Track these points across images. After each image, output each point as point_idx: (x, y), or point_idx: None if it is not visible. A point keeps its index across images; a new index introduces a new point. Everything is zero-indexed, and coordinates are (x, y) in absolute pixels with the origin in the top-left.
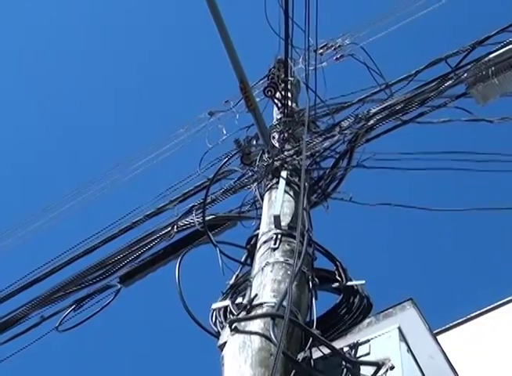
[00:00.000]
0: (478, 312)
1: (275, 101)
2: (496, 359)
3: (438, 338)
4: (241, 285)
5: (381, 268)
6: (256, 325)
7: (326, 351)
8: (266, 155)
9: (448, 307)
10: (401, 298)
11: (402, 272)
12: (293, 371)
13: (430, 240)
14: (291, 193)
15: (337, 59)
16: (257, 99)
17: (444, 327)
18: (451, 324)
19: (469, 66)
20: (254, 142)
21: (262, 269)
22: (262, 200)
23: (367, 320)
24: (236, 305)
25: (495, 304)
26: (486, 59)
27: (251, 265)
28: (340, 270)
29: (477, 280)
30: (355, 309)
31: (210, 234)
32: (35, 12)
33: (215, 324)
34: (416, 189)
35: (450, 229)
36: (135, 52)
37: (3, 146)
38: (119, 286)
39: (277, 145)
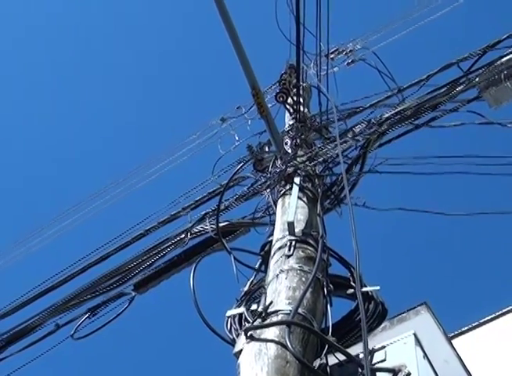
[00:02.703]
0: (493, 315)
1: (287, 106)
2: None
3: (453, 341)
4: (255, 292)
5: (395, 272)
6: (272, 333)
7: (342, 358)
8: (279, 161)
9: (463, 310)
10: (415, 302)
11: (416, 276)
12: None
13: (444, 243)
14: (305, 199)
15: (348, 64)
16: (269, 105)
17: (459, 331)
18: (466, 328)
19: (481, 71)
20: (267, 149)
21: (277, 276)
22: (275, 206)
23: (382, 325)
24: (251, 312)
25: (511, 307)
26: (498, 63)
27: (265, 271)
28: (355, 276)
29: (492, 283)
30: (369, 315)
31: (224, 241)
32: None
33: (230, 331)
34: (429, 193)
35: (464, 233)
36: (147, 59)
37: (22, 152)
38: (133, 293)
39: (290, 151)
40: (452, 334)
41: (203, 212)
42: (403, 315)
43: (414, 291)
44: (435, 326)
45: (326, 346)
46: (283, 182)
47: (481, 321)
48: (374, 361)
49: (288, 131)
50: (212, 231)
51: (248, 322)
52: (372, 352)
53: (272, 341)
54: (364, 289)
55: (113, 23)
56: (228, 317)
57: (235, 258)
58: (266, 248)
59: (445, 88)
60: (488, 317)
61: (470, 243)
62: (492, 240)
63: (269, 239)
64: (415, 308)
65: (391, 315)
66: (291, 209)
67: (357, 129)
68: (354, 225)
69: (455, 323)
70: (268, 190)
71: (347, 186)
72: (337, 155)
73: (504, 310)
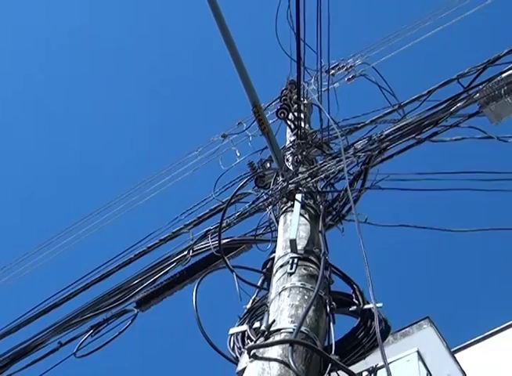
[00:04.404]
0: (497, 328)
1: (288, 123)
2: None
3: (457, 355)
4: (258, 309)
5: (399, 286)
6: (275, 351)
7: None
8: (280, 178)
9: (466, 324)
10: (418, 317)
11: (419, 291)
12: None
13: (447, 258)
14: (306, 216)
15: (348, 79)
16: (270, 121)
17: (462, 345)
18: (469, 342)
19: (481, 86)
20: (268, 165)
21: (279, 293)
22: (277, 223)
23: (386, 340)
24: (254, 329)
25: None
26: (498, 78)
27: (268, 289)
28: (358, 293)
29: (496, 296)
30: (372, 333)
31: (226, 259)
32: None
33: (233, 350)
34: (431, 208)
35: (467, 247)
36: (150, 75)
37: (24, 172)
38: (136, 311)
39: (291, 167)
40: (456, 348)
41: (205, 229)
42: (406, 329)
43: (417, 305)
44: (438, 340)
45: (330, 364)
46: (284, 199)
47: (485, 335)
48: None
49: (289, 147)
50: (214, 248)
51: (251, 340)
52: (375, 369)
53: (275, 360)
54: (366, 306)
55: (116, 45)
56: (231, 335)
57: (237, 276)
58: (268, 265)
59: (446, 104)
60: (492, 331)
61: (474, 257)
62: (496, 255)
63: (271, 256)
64: (418, 322)
65: (395, 329)
66: (293, 226)
67: (358, 145)
68: (362, 243)
69: (458, 336)
70: (270, 207)
71: (352, 202)
72: (339, 171)
73: (508, 323)
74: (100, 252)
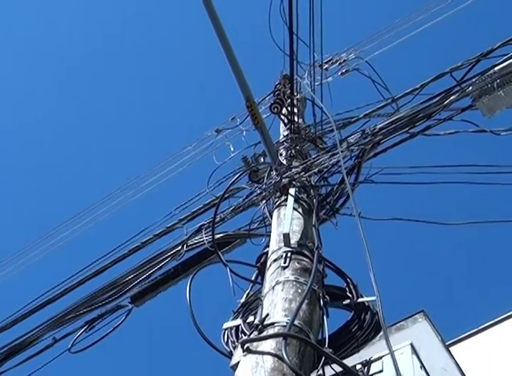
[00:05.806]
0: (491, 322)
1: (282, 117)
2: (510, 369)
3: (451, 349)
4: (252, 303)
5: (393, 281)
6: (268, 345)
7: (339, 369)
8: (274, 172)
9: (460, 318)
10: (413, 311)
11: (414, 285)
12: None
13: (441, 251)
14: (300, 210)
15: (342, 73)
16: (264, 115)
17: (457, 338)
18: (463, 335)
19: (474, 80)
20: (262, 160)
21: (273, 287)
22: (271, 217)
23: (379, 333)
24: (248, 324)
25: (508, 314)
26: (491, 71)
27: (262, 283)
28: (351, 287)
29: (490, 290)
30: (366, 326)
31: (220, 254)
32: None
33: (227, 344)
34: (425, 202)
35: (461, 241)
36: (143, 70)
37: (18, 167)
38: (130, 306)
39: (285, 162)
40: (450, 341)
41: (199, 224)
42: (401, 323)
43: (412, 299)
44: (433, 334)
45: (323, 358)
46: (278, 194)
47: (479, 328)
48: (371, 372)
49: (283, 142)
50: (208, 243)
51: (245, 334)
52: (369, 362)
53: (268, 353)
54: (360, 299)
55: (112, 41)
56: (225, 329)
57: (231, 270)
58: (262, 260)
59: (439, 98)
60: (486, 324)
61: (468, 250)
62: (489, 248)
63: (265, 250)
64: (412, 316)
65: (389, 323)
66: (287, 220)
67: (352, 139)
68: (363, 232)
69: (453, 330)
70: (264, 202)
71: (351, 192)
72: (333, 165)
73: (502, 317)
74: (94, 247)
